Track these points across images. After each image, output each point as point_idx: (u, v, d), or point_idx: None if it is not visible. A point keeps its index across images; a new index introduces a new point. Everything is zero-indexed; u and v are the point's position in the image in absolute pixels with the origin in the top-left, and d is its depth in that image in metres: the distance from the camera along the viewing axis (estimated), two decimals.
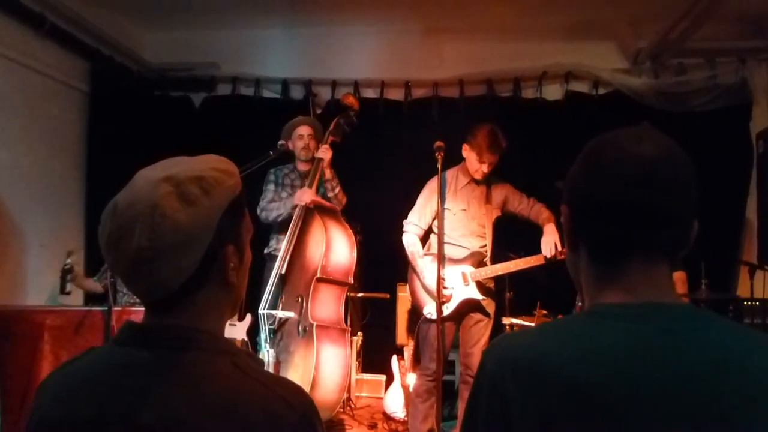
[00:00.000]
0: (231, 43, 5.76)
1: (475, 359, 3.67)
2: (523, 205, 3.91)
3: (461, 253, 3.74)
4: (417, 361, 4.01)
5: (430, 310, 3.69)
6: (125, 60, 5.49)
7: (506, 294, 4.62)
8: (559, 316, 4.55)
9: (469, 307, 3.72)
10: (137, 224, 0.88)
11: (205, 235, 0.92)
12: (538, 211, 3.84)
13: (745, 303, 4.47)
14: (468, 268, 3.71)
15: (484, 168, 3.71)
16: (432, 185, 3.80)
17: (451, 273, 3.69)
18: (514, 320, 4.53)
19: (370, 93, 5.67)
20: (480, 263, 3.74)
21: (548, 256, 3.62)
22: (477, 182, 3.81)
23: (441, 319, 3.52)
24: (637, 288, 0.89)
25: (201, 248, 0.92)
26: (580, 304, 4.39)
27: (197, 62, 5.71)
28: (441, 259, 3.53)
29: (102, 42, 5.15)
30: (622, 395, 0.79)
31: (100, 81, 5.19)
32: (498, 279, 4.61)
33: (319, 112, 5.52)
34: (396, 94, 5.61)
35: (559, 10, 5.05)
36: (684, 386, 0.79)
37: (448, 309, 3.67)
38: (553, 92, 5.51)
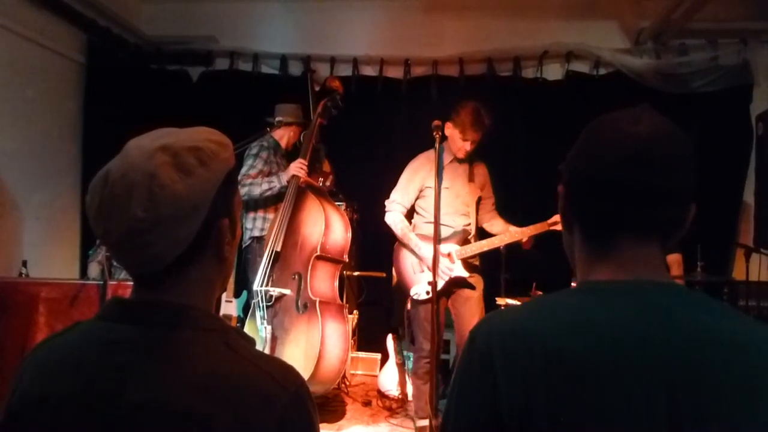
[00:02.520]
0: (229, 16, 5.69)
1: None
2: (485, 210, 3.95)
3: (446, 232, 3.74)
4: (412, 342, 4.04)
5: (417, 290, 3.70)
6: (122, 32, 5.43)
7: (501, 275, 4.62)
8: None
9: (455, 284, 3.75)
10: (133, 194, 0.84)
11: (202, 207, 0.90)
12: (494, 224, 3.92)
13: (740, 285, 4.49)
14: (453, 247, 3.72)
15: (467, 146, 3.69)
16: (415, 164, 3.81)
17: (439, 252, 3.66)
18: (510, 300, 4.54)
19: (369, 70, 5.62)
20: (465, 241, 3.75)
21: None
22: (460, 161, 3.80)
23: (429, 299, 3.49)
24: (627, 265, 0.90)
25: (197, 221, 0.89)
26: (575, 284, 4.40)
27: (195, 35, 5.64)
28: (437, 238, 3.51)
29: (98, 12, 5.10)
30: (607, 366, 0.80)
31: (96, 53, 5.15)
32: (493, 259, 4.63)
33: (317, 89, 5.47)
34: (395, 72, 5.57)
35: None
36: (666, 358, 0.80)
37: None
38: (553, 72, 5.47)
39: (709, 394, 0.79)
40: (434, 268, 3.40)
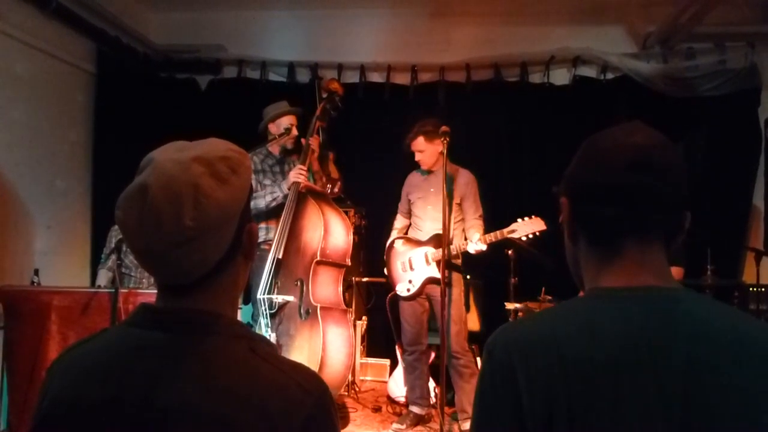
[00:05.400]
0: (237, 24, 5.74)
1: (454, 341, 3.90)
2: (468, 216, 4.04)
3: (424, 236, 4.10)
4: (399, 337, 4.28)
5: (400, 288, 4.11)
6: (131, 41, 5.48)
7: (511, 279, 4.62)
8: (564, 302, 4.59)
9: (432, 282, 4.01)
10: (180, 204, 0.87)
11: (237, 213, 0.94)
12: (471, 232, 3.97)
13: (750, 289, 4.46)
14: (430, 249, 4.02)
15: (416, 158, 4.07)
16: (405, 180, 4.31)
17: (417, 254, 4.07)
18: (519, 305, 4.53)
19: (376, 77, 5.65)
20: (439, 244, 3.92)
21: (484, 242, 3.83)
22: (434, 172, 4.07)
23: (409, 297, 4.06)
24: (633, 271, 0.93)
25: (234, 226, 0.94)
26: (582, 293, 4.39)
27: (203, 44, 5.69)
28: (446, 243, 3.59)
29: (108, 22, 5.15)
30: (623, 371, 0.83)
31: (106, 62, 5.19)
32: (502, 264, 4.64)
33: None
34: (402, 79, 5.59)
35: None
36: (678, 361, 0.83)
37: (414, 287, 4.04)
38: (560, 77, 5.47)
39: (723, 395, 0.82)
40: (442, 270, 3.54)
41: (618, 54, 5.28)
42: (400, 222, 4.35)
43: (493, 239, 3.81)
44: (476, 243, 3.80)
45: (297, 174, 3.95)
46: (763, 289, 4.43)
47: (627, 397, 0.82)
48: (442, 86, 5.48)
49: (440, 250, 3.88)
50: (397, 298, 4.17)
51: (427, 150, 4.03)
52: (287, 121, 4.15)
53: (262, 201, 4.03)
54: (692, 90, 5.16)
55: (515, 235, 3.81)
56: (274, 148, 4.21)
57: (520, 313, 4.51)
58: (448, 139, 3.53)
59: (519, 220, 3.83)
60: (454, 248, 3.89)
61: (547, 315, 0.98)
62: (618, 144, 0.95)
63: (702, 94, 5.16)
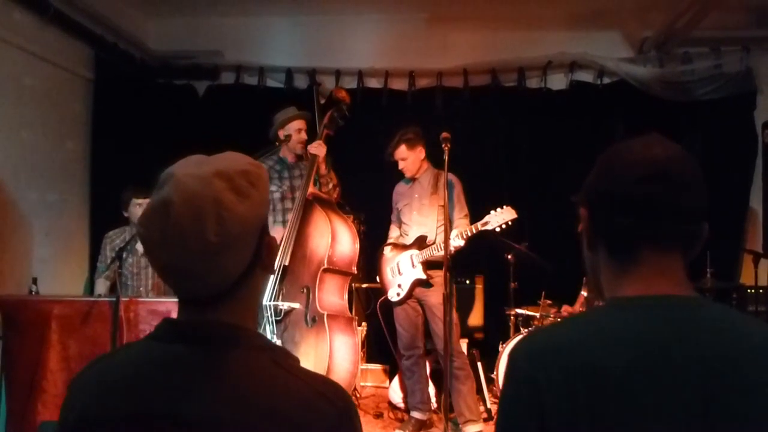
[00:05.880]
0: (234, 30, 5.74)
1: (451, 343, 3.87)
2: (452, 217, 4.06)
3: (408, 240, 4.18)
4: (394, 343, 4.29)
5: (390, 294, 4.16)
6: (129, 47, 5.47)
7: (511, 284, 4.64)
8: (565, 306, 4.61)
9: (419, 284, 4.05)
10: (203, 220, 0.87)
11: (257, 227, 0.95)
12: (459, 227, 4.00)
13: (748, 291, 4.50)
14: (414, 252, 4.06)
15: (399, 166, 4.13)
16: (393, 192, 4.38)
17: (404, 258, 4.11)
18: (519, 310, 4.55)
19: (374, 83, 5.66)
20: (422, 246, 4.04)
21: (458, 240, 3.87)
22: (418, 179, 4.16)
23: (400, 301, 4.09)
24: (652, 281, 0.96)
25: (254, 240, 0.95)
26: (585, 294, 4.41)
27: (200, 50, 5.69)
28: (447, 248, 3.59)
29: (106, 28, 5.14)
30: (644, 379, 0.86)
31: (104, 69, 5.18)
32: (502, 270, 4.66)
33: (322, 102, 5.50)
34: (400, 84, 5.60)
35: None
36: (697, 367, 0.86)
37: (403, 291, 4.07)
38: (557, 82, 5.50)
39: (742, 398, 0.85)
40: (445, 273, 3.55)
41: (614, 59, 5.31)
42: (394, 232, 4.39)
43: (469, 233, 3.85)
44: (453, 239, 3.82)
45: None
46: (761, 291, 4.47)
47: (649, 403, 0.85)
48: (440, 92, 5.50)
49: (425, 250, 3.99)
50: (388, 304, 4.19)
51: (409, 158, 4.07)
52: (296, 125, 4.15)
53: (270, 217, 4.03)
54: (688, 94, 5.20)
55: (489, 227, 3.83)
56: (286, 154, 4.21)
57: (519, 318, 4.54)
58: (449, 145, 3.54)
59: (492, 211, 3.85)
60: (437, 248, 3.91)
61: (568, 324, 1.01)
62: (636, 156, 0.97)
63: (698, 98, 5.20)
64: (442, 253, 3.86)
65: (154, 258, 0.92)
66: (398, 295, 4.10)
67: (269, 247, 1.00)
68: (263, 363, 0.92)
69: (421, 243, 4.05)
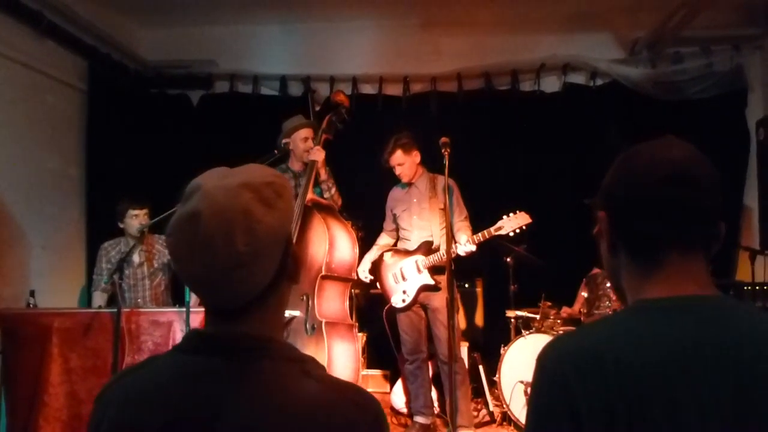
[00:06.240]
0: (228, 39, 5.73)
1: (445, 347, 3.85)
2: (456, 221, 4.07)
3: (413, 246, 4.13)
4: (398, 350, 4.30)
5: (395, 300, 4.12)
6: (122, 58, 5.46)
7: (511, 287, 4.65)
8: (564, 307, 4.62)
9: (425, 290, 4.05)
10: (232, 231, 0.88)
11: (284, 237, 0.96)
12: (460, 235, 4.00)
13: (745, 288, 4.53)
14: (420, 257, 4.05)
15: (396, 171, 4.11)
16: (387, 197, 4.36)
17: (408, 263, 4.09)
18: (519, 312, 4.56)
19: (368, 89, 5.67)
20: (429, 251, 4.04)
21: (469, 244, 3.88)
22: (414, 183, 4.15)
23: (405, 307, 4.08)
24: (675, 282, 0.97)
25: (281, 250, 0.96)
26: (584, 294, 4.43)
27: (194, 59, 5.67)
28: (450, 249, 3.61)
29: (99, 39, 5.13)
30: (676, 377, 0.87)
31: (98, 79, 5.16)
32: (501, 272, 4.66)
33: (317, 108, 5.51)
34: (394, 90, 5.62)
35: (555, 2, 5.07)
36: (726, 363, 0.87)
37: (409, 297, 4.02)
38: (550, 84, 5.54)
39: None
40: (448, 277, 3.53)
41: (607, 60, 5.36)
42: (383, 240, 4.40)
43: (482, 238, 3.85)
44: (465, 244, 3.83)
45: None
46: (758, 288, 4.50)
47: (682, 401, 0.86)
48: (434, 96, 5.52)
49: (431, 256, 3.98)
50: (393, 311, 4.19)
51: (406, 162, 4.08)
52: (303, 134, 4.17)
53: None
54: (680, 93, 5.25)
55: (503, 232, 3.85)
56: (293, 163, 4.23)
57: (519, 321, 4.55)
58: (449, 150, 3.55)
59: (504, 216, 3.86)
60: (443, 253, 3.89)
61: (596, 326, 1.01)
62: (656, 159, 0.98)
63: (690, 97, 5.25)
64: (444, 258, 3.84)
65: (182, 269, 0.92)
66: (404, 301, 4.09)
67: (295, 257, 1.00)
68: (294, 374, 0.93)
69: (427, 248, 4.05)
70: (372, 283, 4.39)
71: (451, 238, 3.69)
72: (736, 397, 0.86)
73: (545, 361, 0.95)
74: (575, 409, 0.88)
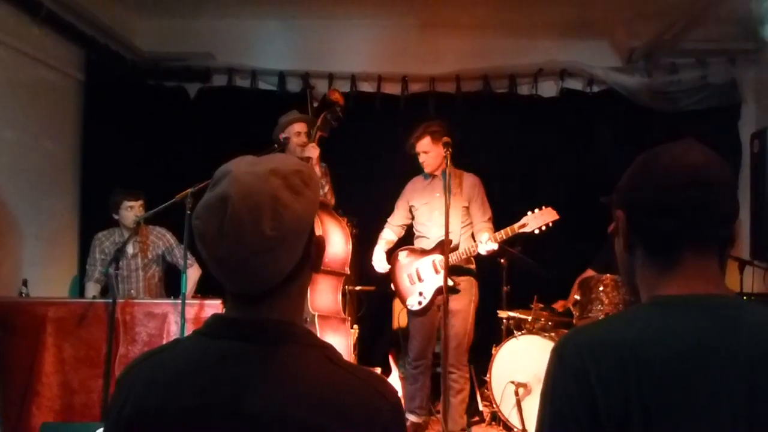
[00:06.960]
0: (226, 33, 5.70)
1: (453, 354, 3.86)
2: (476, 220, 4.00)
3: (430, 244, 3.98)
4: (405, 351, 4.24)
5: (411, 302, 3.97)
6: (120, 48, 5.41)
7: (503, 288, 4.68)
8: (560, 300, 4.64)
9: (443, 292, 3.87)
10: (260, 214, 0.89)
11: (310, 225, 0.98)
12: (480, 236, 3.92)
13: None
14: (437, 257, 3.90)
15: (420, 159, 3.98)
16: (405, 188, 4.21)
17: (424, 263, 3.96)
18: (511, 313, 4.59)
19: (366, 87, 5.68)
20: (449, 250, 3.84)
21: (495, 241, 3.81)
22: (437, 176, 3.99)
23: (422, 310, 3.95)
24: (691, 281, 1.00)
25: (306, 237, 0.97)
26: (577, 297, 4.47)
27: (192, 52, 5.64)
28: (447, 254, 3.60)
29: (97, 30, 5.09)
30: (692, 370, 0.91)
31: (95, 70, 5.13)
32: (493, 273, 4.68)
33: (315, 105, 5.51)
34: (393, 89, 5.63)
35: (555, 8, 5.11)
36: (741, 358, 0.91)
37: (425, 299, 3.91)
38: (548, 89, 5.58)
39: None
40: (445, 277, 3.53)
41: (604, 68, 5.40)
42: (389, 234, 4.25)
43: (504, 236, 3.74)
44: (486, 243, 3.73)
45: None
46: (745, 298, 4.58)
47: (698, 396, 0.89)
48: (433, 97, 5.54)
49: (450, 255, 3.82)
50: (387, 307, 4.14)
51: (432, 151, 3.95)
52: (296, 128, 4.16)
53: None
54: (675, 104, 5.31)
55: (527, 229, 3.71)
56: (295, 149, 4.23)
57: (511, 322, 4.58)
58: (450, 150, 3.57)
59: (529, 212, 3.74)
60: (464, 252, 3.83)
61: (613, 320, 1.05)
62: (676, 161, 1.02)
63: (684, 108, 5.30)
64: (464, 257, 3.83)
65: (208, 252, 0.93)
66: (420, 303, 3.96)
67: (318, 245, 1.02)
68: (316, 359, 0.94)
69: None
70: (387, 276, 4.24)
71: (448, 235, 3.64)
72: (750, 392, 0.89)
73: (563, 351, 0.97)
74: (594, 399, 0.90)
